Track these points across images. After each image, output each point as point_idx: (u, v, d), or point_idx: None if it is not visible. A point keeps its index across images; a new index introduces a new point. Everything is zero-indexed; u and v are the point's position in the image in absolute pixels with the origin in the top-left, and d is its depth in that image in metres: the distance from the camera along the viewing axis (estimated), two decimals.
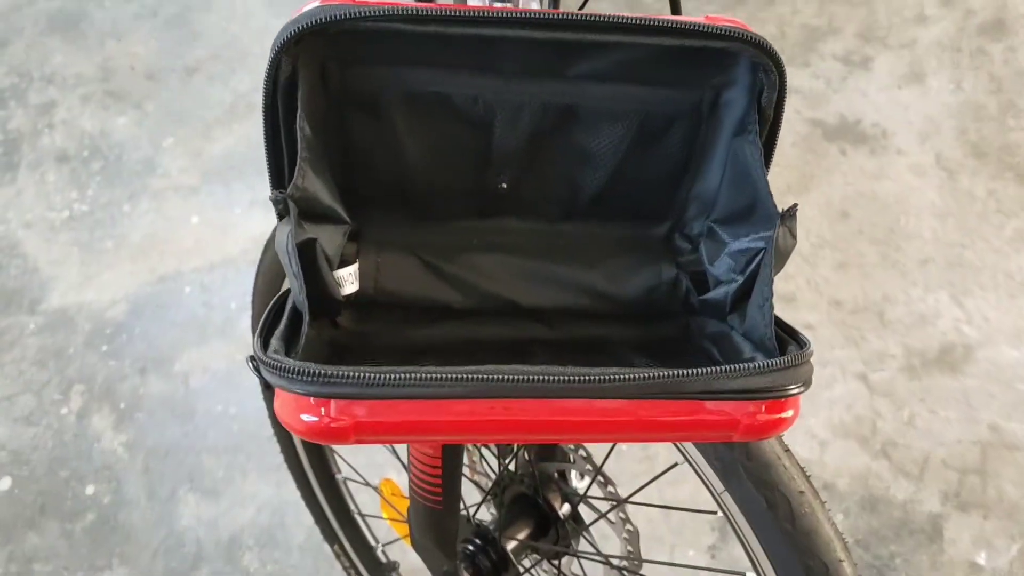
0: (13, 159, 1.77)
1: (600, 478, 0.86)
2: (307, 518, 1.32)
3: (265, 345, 0.45)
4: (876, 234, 1.67)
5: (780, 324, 0.52)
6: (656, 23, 0.50)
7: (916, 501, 1.37)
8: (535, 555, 0.94)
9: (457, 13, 0.49)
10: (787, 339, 0.51)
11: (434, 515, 0.83)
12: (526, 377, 0.42)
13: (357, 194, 0.59)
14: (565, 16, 0.49)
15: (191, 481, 1.44)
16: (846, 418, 1.46)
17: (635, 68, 0.55)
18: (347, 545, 1.25)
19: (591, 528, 0.89)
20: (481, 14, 0.49)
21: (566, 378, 0.42)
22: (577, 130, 0.58)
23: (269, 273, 0.92)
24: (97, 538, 1.38)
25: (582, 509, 0.90)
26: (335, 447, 1.19)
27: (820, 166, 1.77)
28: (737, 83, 0.55)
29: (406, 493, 1.09)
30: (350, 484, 1.20)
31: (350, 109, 0.55)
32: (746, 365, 0.44)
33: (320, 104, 0.53)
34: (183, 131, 1.82)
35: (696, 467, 0.70)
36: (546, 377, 0.42)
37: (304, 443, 1.18)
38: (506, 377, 0.42)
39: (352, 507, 1.22)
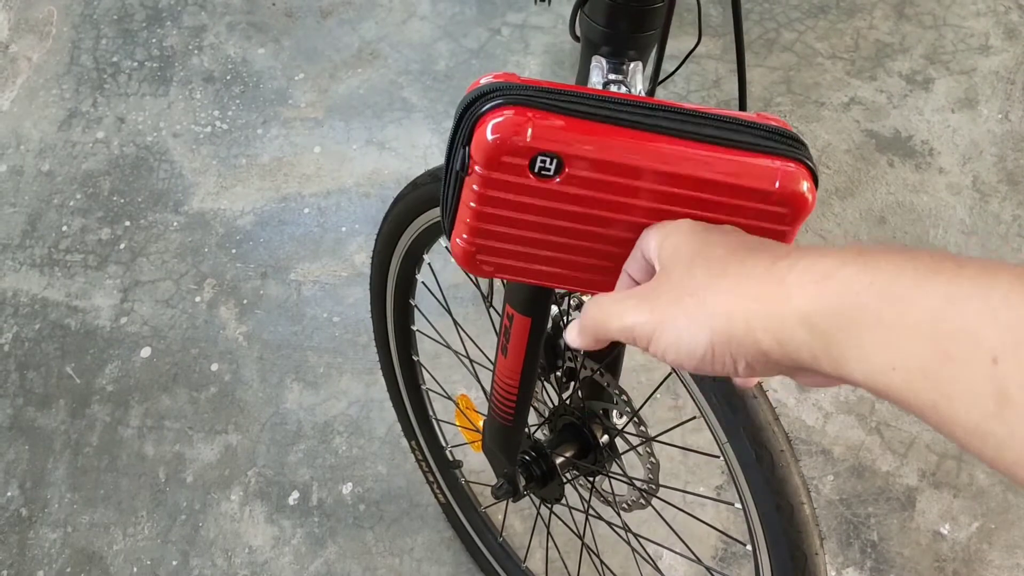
0: (167, 74, 2.04)
1: (635, 418, 1.02)
2: (389, 416, 1.59)
3: None
4: (906, 241, 1.88)
5: None
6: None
7: (897, 475, 1.62)
8: (575, 471, 1.19)
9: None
10: None
11: (505, 429, 1.08)
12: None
13: None
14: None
15: (296, 372, 1.73)
16: (851, 397, 1.70)
17: None
18: (422, 442, 1.52)
19: (622, 456, 1.10)
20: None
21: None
22: None
23: (393, 223, 1.18)
24: (217, 407, 1.69)
25: (618, 441, 1.15)
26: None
27: (868, 174, 1.97)
28: None
29: (478, 408, 1.36)
30: (431, 394, 1.47)
31: None
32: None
33: None
34: (313, 68, 2.07)
35: (709, 421, 0.95)
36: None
37: (400, 355, 1.44)
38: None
39: (431, 412, 1.49)
